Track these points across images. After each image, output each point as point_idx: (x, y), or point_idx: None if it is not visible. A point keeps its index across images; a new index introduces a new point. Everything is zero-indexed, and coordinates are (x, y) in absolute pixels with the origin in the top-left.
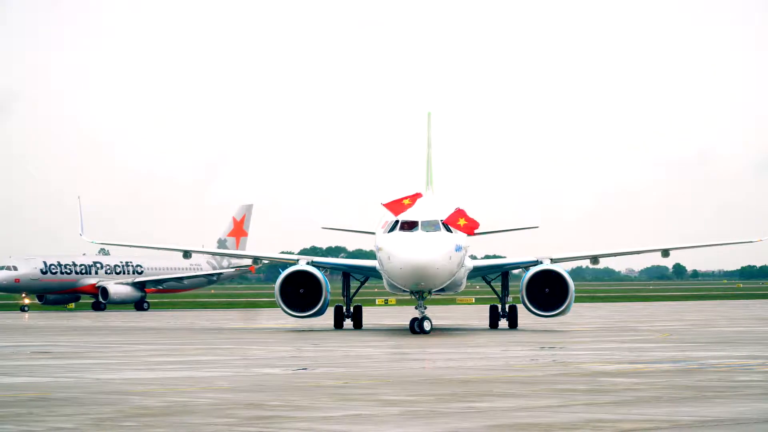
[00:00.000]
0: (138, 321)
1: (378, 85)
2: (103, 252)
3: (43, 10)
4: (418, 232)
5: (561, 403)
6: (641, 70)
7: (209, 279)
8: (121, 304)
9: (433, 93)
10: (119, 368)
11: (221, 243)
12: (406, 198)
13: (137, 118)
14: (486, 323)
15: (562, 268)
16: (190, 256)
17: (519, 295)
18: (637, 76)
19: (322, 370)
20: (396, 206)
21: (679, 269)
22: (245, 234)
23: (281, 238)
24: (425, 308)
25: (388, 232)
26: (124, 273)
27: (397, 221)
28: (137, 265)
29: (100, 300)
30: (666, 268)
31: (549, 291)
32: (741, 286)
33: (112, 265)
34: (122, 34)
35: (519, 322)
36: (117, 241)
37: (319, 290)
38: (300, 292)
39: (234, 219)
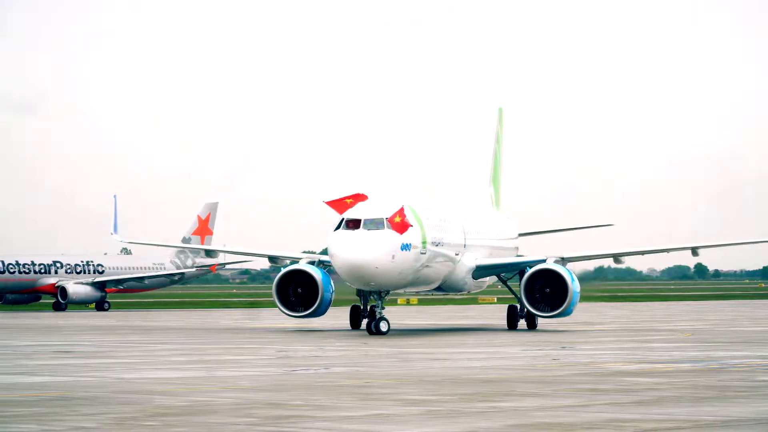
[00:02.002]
0: (158, 320)
1: (442, 81)
2: (125, 252)
3: (47, 11)
4: (360, 231)
5: (582, 402)
6: (681, 70)
7: (172, 279)
8: (81, 304)
9: (503, 89)
10: (141, 368)
11: (185, 241)
12: (348, 197)
13: (146, 121)
14: (505, 323)
15: (562, 268)
16: (216, 255)
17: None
18: (675, 74)
19: (342, 369)
20: (339, 205)
21: (700, 269)
22: (210, 233)
23: (312, 236)
24: (383, 309)
25: (335, 230)
26: (84, 272)
27: (343, 219)
28: (98, 265)
29: (60, 300)
30: (687, 267)
31: (550, 291)
32: (763, 285)
33: (73, 264)
34: (124, 40)
35: (538, 322)
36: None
37: (316, 290)
38: (298, 292)
39: (199, 217)
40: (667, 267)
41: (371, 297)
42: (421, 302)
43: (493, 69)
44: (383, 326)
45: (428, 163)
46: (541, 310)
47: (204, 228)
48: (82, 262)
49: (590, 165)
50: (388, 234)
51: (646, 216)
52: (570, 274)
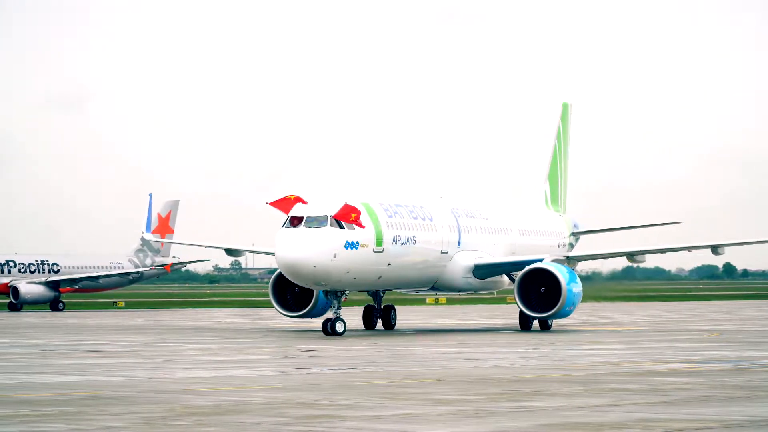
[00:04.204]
0: (186, 320)
1: (501, 77)
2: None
3: (52, 10)
4: (300, 229)
5: (611, 402)
6: (745, 66)
7: (128, 278)
8: (34, 304)
9: (567, 84)
10: (170, 367)
11: (145, 240)
12: (291, 195)
13: (147, 121)
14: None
15: (556, 266)
16: (240, 254)
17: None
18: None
19: (372, 369)
20: (283, 204)
21: (729, 268)
22: (171, 231)
23: None
24: (339, 309)
25: (281, 227)
26: (39, 272)
27: (289, 217)
28: (53, 264)
29: (13, 300)
30: (716, 267)
31: (545, 291)
32: None
33: (27, 263)
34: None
35: (553, 323)
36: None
37: (311, 289)
38: (295, 291)
39: (159, 215)
40: (695, 266)
41: (327, 297)
42: (451, 302)
43: (557, 64)
44: (339, 327)
45: (479, 160)
46: (537, 311)
47: (164, 226)
48: (36, 261)
49: (653, 161)
50: (329, 232)
51: (711, 213)
52: (567, 273)
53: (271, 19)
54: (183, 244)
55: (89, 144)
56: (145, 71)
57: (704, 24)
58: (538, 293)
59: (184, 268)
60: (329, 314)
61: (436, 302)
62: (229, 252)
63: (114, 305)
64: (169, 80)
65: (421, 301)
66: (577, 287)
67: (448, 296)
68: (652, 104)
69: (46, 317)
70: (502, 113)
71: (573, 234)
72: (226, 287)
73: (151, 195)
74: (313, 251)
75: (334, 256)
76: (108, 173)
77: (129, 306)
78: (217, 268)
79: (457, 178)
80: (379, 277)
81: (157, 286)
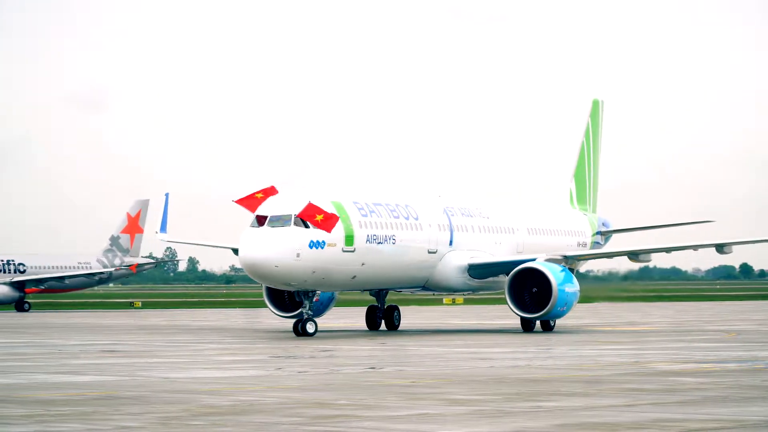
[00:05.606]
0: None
1: (529, 74)
2: (169, 251)
3: (53, 9)
4: (263, 228)
5: (627, 402)
6: None
7: (94, 278)
8: None
9: (597, 81)
10: (186, 367)
11: (114, 240)
12: (258, 192)
13: (164, 129)
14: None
15: (547, 266)
16: None
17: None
18: None
19: (388, 369)
20: (249, 201)
21: (746, 269)
22: (140, 231)
23: None
24: (311, 310)
25: (248, 227)
26: (4, 272)
27: (254, 215)
28: (19, 264)
29: None
30: (733, 267)
31: (537, 291)
32: None
33: None
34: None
35: (558, 322)
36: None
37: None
38: (291, 292)
39: (128, 215)
40: (712, 267)
41: (298, 297)
42: (468, 302)
43: (587, 61)
44: (310, 327)
45: (500, 160)
46: (532, 311)
47: (134, 226)
48: (2, 261)
49: (685, 160)
50: (292, 231)
51: (748, 212)
52: (560, 272)
53: (272, 17)
54: (192, 243)
55: (90, 144)
56: (147, 73)
57: (738, 20)
58: (531, 293)
59: (149, 268)
60: (302, 315)
61: (453, 302)
62: (237, 252)
63: (130, 305)
64: (170, 81)
65: (438, 302)
66: (572, 287)
67: (460, 297)
68: (683, 101)
69: (51, 317)
70: (527, 111)
71: (600, 233)
72: (242, 287)
73: (167, 195)
74: (275, 251)
75: (297, 255)
76: (108, 173)
77: (146, 306)
78: (233, 268)
79: (477, 178)
80: (354, 277)
81: (173, 287)
